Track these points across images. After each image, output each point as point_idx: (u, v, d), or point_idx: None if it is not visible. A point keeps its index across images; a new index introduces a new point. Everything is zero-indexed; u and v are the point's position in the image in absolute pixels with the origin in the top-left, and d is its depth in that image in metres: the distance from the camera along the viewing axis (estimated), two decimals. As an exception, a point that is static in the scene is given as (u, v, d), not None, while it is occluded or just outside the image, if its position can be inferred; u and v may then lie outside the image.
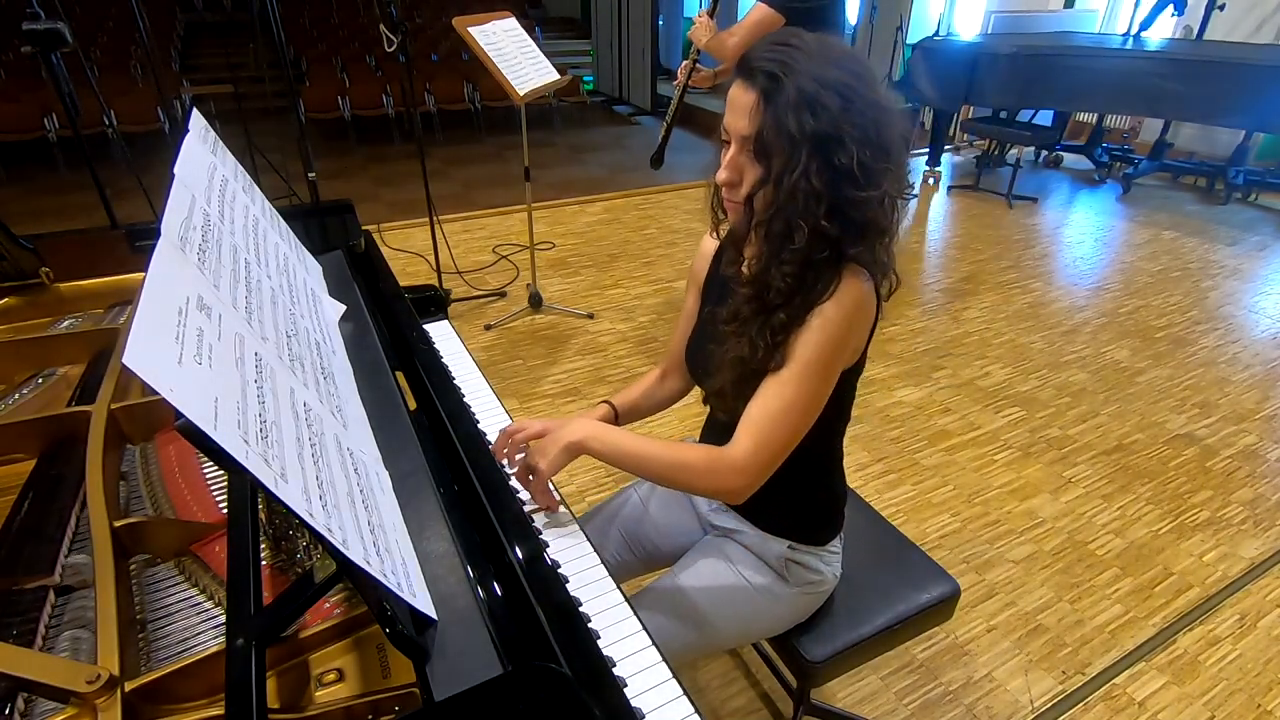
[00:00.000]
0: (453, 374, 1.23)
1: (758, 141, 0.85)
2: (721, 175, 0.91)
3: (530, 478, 0.98)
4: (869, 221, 0.86)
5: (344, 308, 1.15)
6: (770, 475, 0.93)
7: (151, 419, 1.05)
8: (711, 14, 2.36)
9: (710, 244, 1.13)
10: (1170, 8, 5.04)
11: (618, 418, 1.21)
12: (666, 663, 0.80)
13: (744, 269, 1.00)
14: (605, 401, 1.22)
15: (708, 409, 1.20)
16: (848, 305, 0.88)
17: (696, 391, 1.28)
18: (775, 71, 0.82)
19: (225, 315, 0.65)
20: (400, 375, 1.13)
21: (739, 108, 0.86)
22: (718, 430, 1.10)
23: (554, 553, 0.94)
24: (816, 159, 0.82)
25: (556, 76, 3.08)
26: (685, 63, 2.44)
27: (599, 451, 0.96)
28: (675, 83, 2.50)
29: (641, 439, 0.96)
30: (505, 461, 1.03)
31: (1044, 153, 5.99)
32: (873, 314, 0.93)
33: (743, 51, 0.88)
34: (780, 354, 0.91)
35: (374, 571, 0.60)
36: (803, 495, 1.10)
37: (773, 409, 0.91)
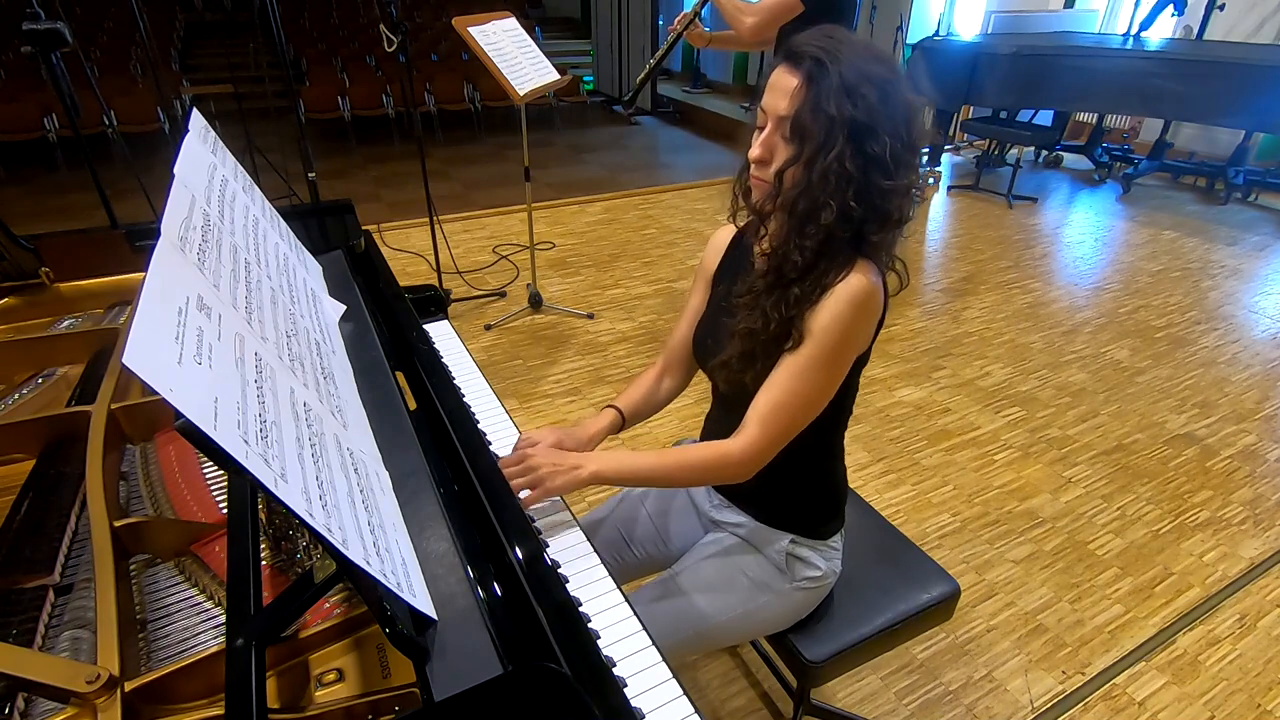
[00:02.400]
0: (453, 374, 1.23)
1: (795, 121, 0.88)
2: (754, 151, 0.94)
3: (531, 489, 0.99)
4: (891, 210, 0.91)
5: (344, 308, 1.15)
6: (771, 459, 0.99)
7: (151, 419, 1.05)
8: None
9: (722, 236, 1.16)
10: (1170, 8, 5.04)
11: (625, 421, 1.21)
12: (666, 663, 0.80)
13: (762, 245, 1.03)
14: (611, 406, 1.21)
15: (706, 410, 1.23)
16: (856, 297, 0.92)
17: (693, 393, 1.29)
18: (822, 58, 0.86)
19: (225, 315, 0.65)
20: (400, 375, 1.13)
21: (780, 89, 0.89)
22: (716, 421, 1.18)
23: (554, 553, 0.94)
24: (851, 144, 0.86)
25: (556, 76, 3.08)
26: (686, 13, 2.32)
27: (612, 479, 1.03)
28: (670, 28, 2.45)
29: (646, 455, 1.02)
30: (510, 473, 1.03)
31: (1044, 153, 5.99)
32: (879, 309, 0.96)
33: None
34: (795, 333, 0.95)
35: (374, 571, 0.60)
36: (805, 486, 1.12)
37: (778, 402, 0.96)
